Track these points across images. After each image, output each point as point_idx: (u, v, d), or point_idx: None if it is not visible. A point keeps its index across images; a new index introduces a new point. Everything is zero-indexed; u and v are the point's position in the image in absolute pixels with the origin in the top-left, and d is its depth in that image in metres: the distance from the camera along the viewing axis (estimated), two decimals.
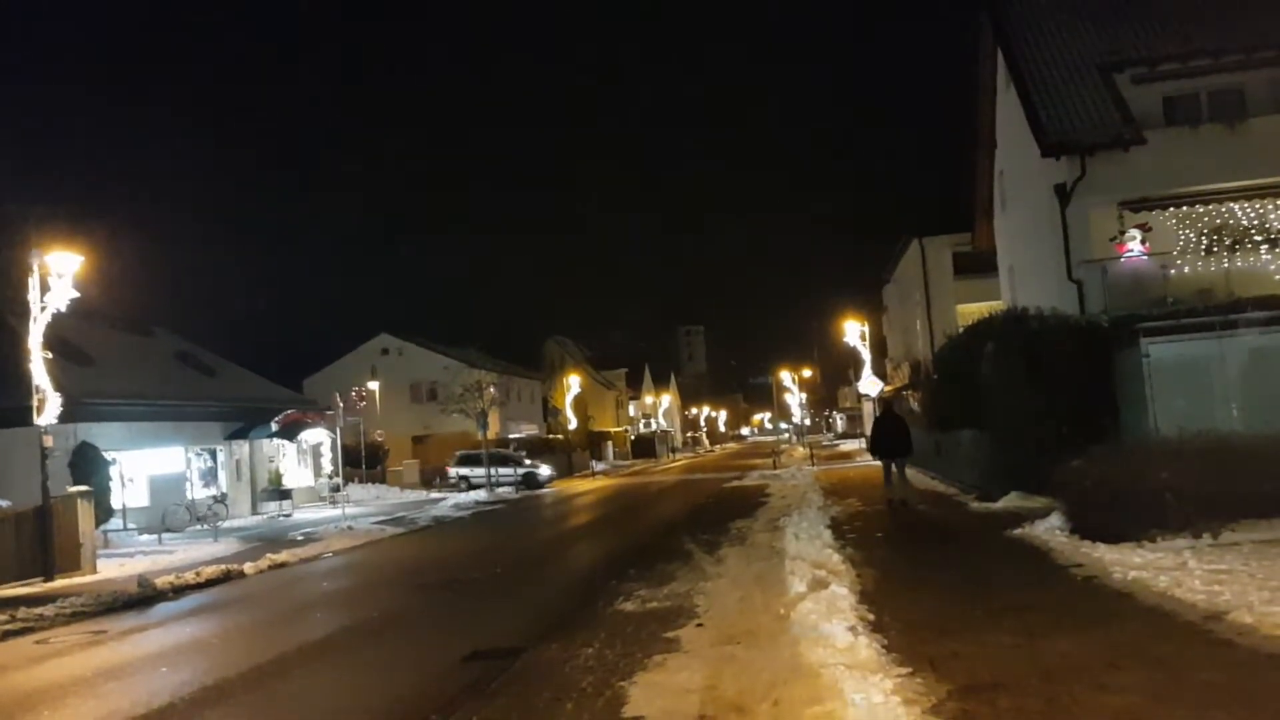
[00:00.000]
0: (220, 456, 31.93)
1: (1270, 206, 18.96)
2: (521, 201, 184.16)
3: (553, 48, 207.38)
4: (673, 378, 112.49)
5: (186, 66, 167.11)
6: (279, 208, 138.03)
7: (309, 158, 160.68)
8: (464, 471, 41.06)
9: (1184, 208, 19.23)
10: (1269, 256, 18.36)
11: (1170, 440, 12.55)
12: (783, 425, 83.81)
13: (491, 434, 43.26)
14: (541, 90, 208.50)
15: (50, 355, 17.50)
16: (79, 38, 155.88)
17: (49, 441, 17.45)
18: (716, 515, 19.99)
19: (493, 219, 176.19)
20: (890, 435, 18.70)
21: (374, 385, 45.89)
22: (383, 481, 43.18)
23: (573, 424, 61.95)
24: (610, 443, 72.98)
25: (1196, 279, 18.24)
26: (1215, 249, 18.82)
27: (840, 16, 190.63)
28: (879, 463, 19.50)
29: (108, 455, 23.91)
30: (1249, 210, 19.02)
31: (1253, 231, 18.83)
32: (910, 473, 19.24)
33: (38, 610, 12.86)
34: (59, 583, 16.40)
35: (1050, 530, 12.10)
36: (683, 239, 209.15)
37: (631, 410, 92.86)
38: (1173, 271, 18.39)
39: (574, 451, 58.62)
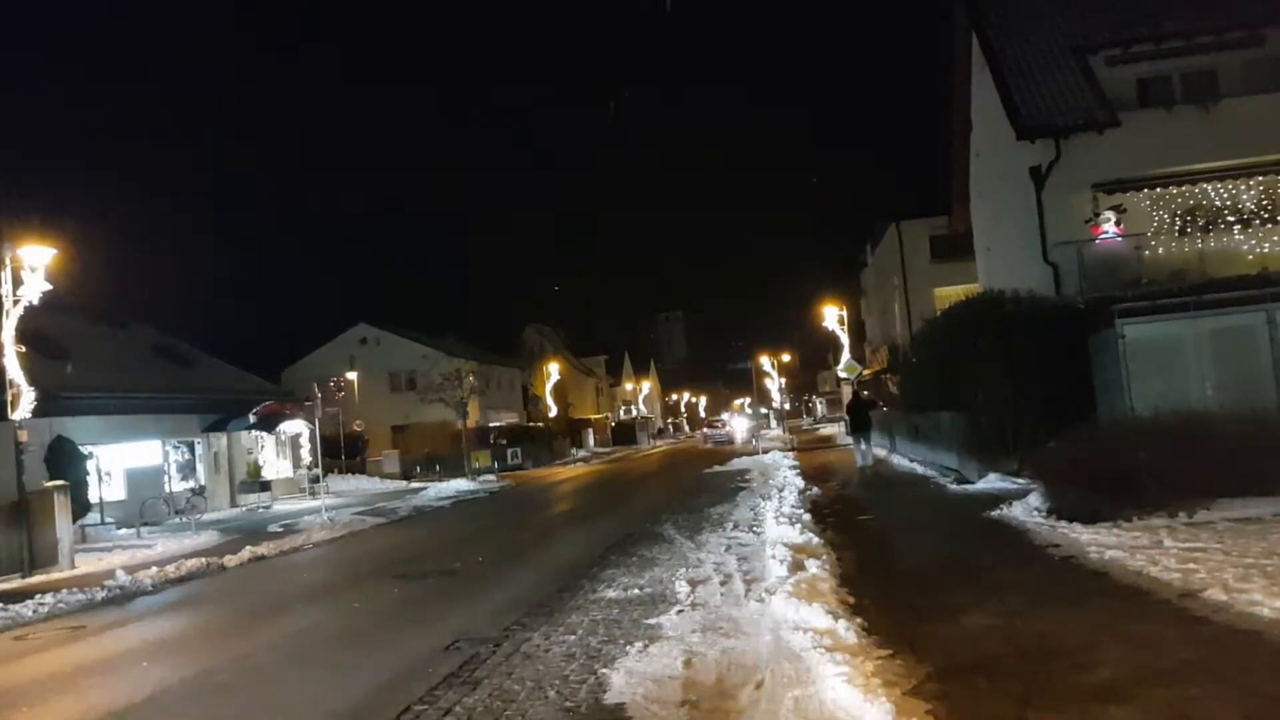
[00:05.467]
0: (198, 449, 31.73)
1: (1243, 187, 19.12)
2: (502, 192, 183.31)
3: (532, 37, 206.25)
4: (652, 364, 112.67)
5: (164, 59, 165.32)
6: (254, 199, 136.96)
7: (286, 150, 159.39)
8: None
9: (1158, 189, 19.36)
10: (1241, 237, 18.54)
11: (1146, 420, 12.70)
12: (762, 410, 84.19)
13: (471, 422, 43.24)
14: (522, 81, 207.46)
15: (24, 349, 17.31)
16: (55, 28, 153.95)
17: (24, 436, 17.27)
18: (698, 501, 20.04)
19: (473, 209, 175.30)
20: (856, 416, 24.98)
21: (352, 375, 45.73)
22: (362, 472, 43.06)
23: (553, 411, 62.04)
24: (591, 430, 73.08)
25: (1171, 260, 18.40)
26: (1189, 230, 18.99)
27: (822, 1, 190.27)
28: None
29: (84, 449, 23.71)
30: (1222, 191, 19.18)
31: (1225, 212, 19.00)
32: (896, 459, 20.44)
33: (15, 606, 12.75)
34: (37, 578, 16.26)
35: (1028, 511, 12.20)
36: (662, 227, 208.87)
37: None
38: (1147, 253, 18.54)
39: (555, 439, 58.65)
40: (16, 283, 16.75)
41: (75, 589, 13.96)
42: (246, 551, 17.45)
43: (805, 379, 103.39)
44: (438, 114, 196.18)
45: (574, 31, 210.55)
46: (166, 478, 29.59)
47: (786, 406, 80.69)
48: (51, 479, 19.51)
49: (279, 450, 36.79)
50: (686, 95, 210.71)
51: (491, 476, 39.45)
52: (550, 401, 61.64)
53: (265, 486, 33.32)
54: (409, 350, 53.82)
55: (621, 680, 6.77)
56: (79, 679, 8.81)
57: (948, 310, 21.20)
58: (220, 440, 32.69)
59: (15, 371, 16.95)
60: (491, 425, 54.46)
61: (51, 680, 8.85)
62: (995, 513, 12.82)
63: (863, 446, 24.73)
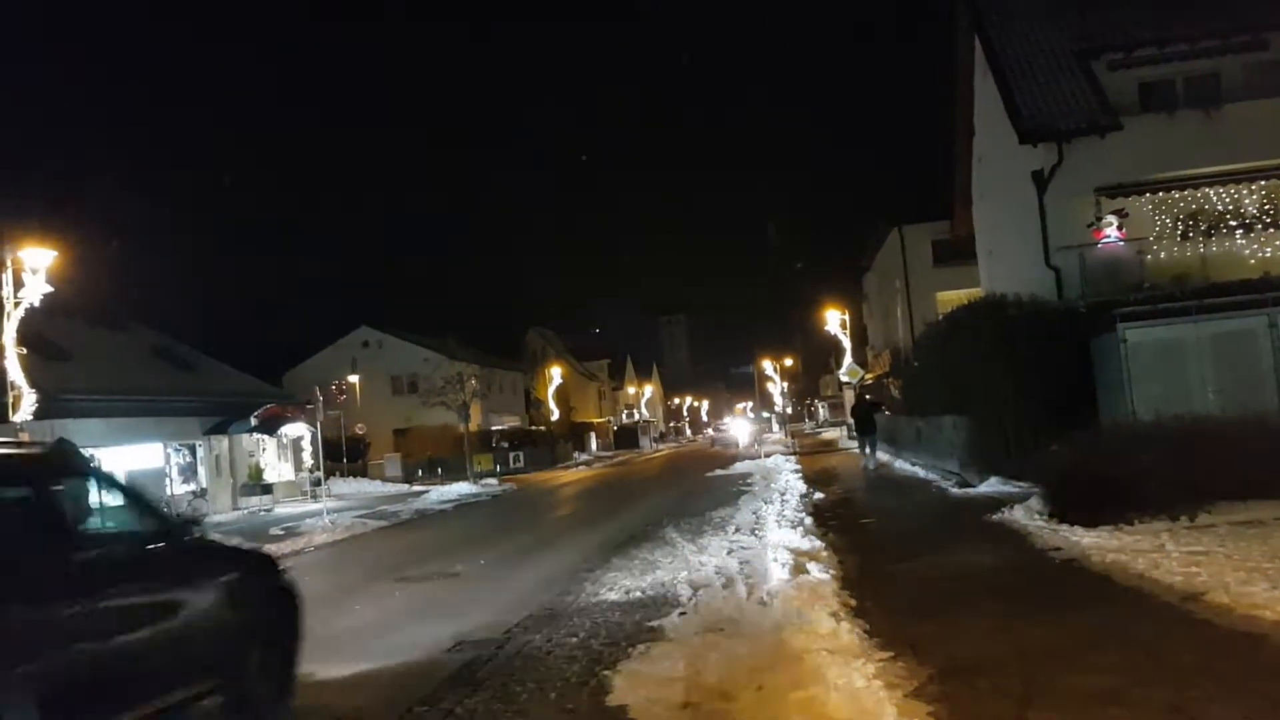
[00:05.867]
0: (200, 452, 31.76)
1: (1245, 191, 19.12)
2: (506, 194, 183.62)
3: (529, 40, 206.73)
4: (655, 368, 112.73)
5: (166, 60, 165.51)
6: (256, 202, 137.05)
7: (286, 152, 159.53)
8: None
9: (1160, 193, 19.36)
10: (1244, 241, 18.55)
11: (1148, 424, 12.67)
12: (764, 414, 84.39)
13: (473, 426, 43.27)
14: (525, 84, 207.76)
15: (25, 351, 17.34)
16: (54, 28, 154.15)
17: (25, 438, 17.28)
18: (700, 504, 20.02)
19: (475, 211, 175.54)
20: (862, 419, 25.73)
21: (354, 378, 45.74)
22: (364, 475, 43.04)
23: (555, 415, 62.07)
24: (593, 433, 73.10)
25: (1173, 264, 18.40)
26: (1191, 234, 18.99)
27: (823, 2, 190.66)
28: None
29: (85, 452, 23.66)
30: (1224, 195, 19.18)
31: (1228, 216, 19.00)
32: (898, 462, 21.85)
33: None
34: None
35: (1029, 514, 12.18)
36: (665, 229, 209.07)
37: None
38: (1149, 257, 18.55)
39: (557, 443, 58.67)
40: (18, 285, 16.78)
41: None
42: None
43: (808, 383, 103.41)
44: (439, 117, 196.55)
45: (572, 33, 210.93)
46: (168, 480, 29.61)
47: (789, 410, 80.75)
48: None
49: (280, 453, 36.83)
50: (688, 98, 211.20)
51: (493, 480, 39.42)
52: (552, 405, 61.68)
53: (267, 489, 33.32)
54: (411, 353, 53.88)
55: (624, 682, 6.77)
56: None
57: (950, 314, 21.18)
58: (222, 443, 32.71)
59: (16, 374, 16.97)
60: (493, 429, 54.51)
61: None
62: (997, 516, 12.80)
63: (867, 450, 25.27)
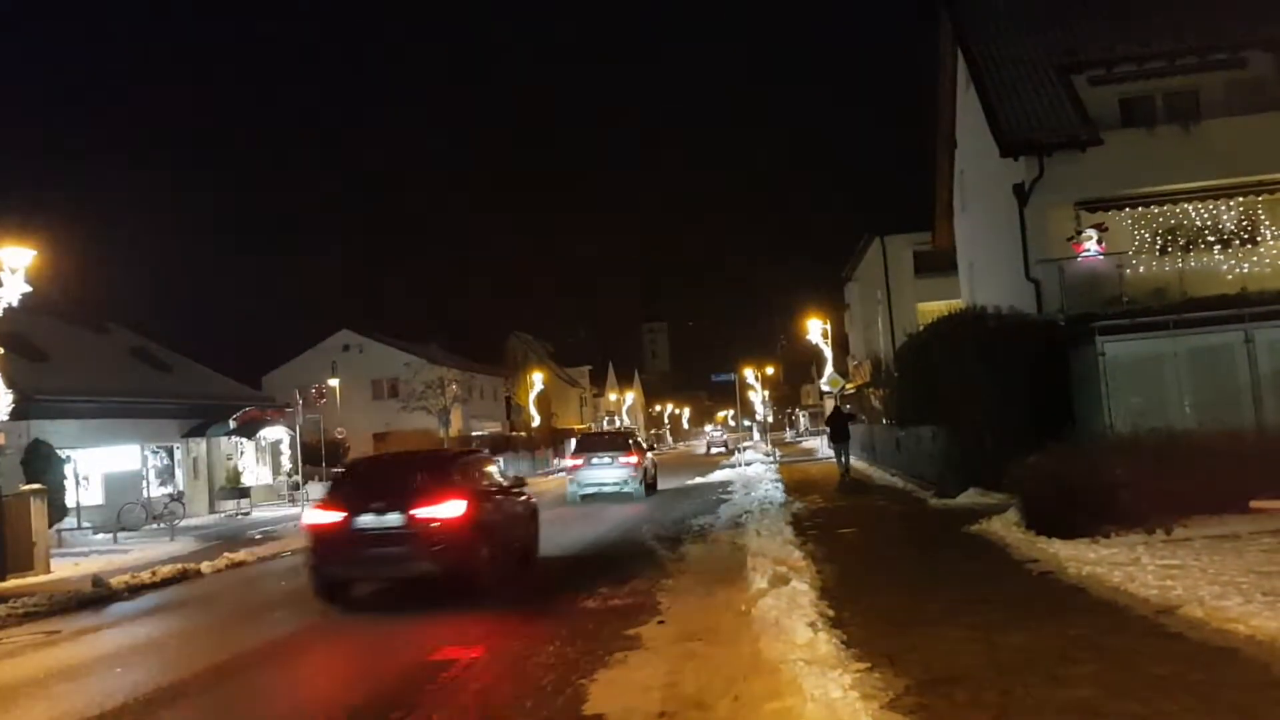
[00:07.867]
0: (177, 454, 31.50)
1: (1223, 207, 19.26)
2: (486, 200, 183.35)
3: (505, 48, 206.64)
4: (636, 375, 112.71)
5: (154, 60, 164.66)
6: (238, 203, 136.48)
7: (268, 152, 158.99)
8: None
9: (1139, 208, 19.47)
10: (1221, 256, 18.68)
11: (1125, 437, 12.76)
12: (745, 422, 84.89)
13: (453, 431, 43.09)
14: (495, 89, 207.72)
15: (2, 351, 17.17)
16: (42, 28, 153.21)
17: (1, 439, 17.12)
18: (679, 513, 20.03)
19: (456, 217, 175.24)
20: (836, 428, 27.02)
21: (334, 382, 45.47)
22: None
23: (536, 421, 61.91)
24: (574, 440, 72.86)
25: (1151, 278, 18.51)
26: (1169, 249, 19.11)
27: (805, 15, 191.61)
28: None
29: (62, 453, 23.48)
30: (1202, 211, 19.31)
31: (1206, 232, 19.14)
32: (878, 472, 24.29)
33: None
34: (11, 582, 16.08)
35: (1007, 526, 12.24)
36: (646, 236, 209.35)
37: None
38: (1128, 271, 18.64)
39: (537, 449, 58.54)
40: None
41: (50, 594, 13.82)
42: (224, 558, 17.31)
43: (789, 392, 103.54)
44: (424, 122, 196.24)
45: (567, 39, 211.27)
46: (145, 483, 29.34)
47: (770, 419, 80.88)
48: (28, 483, 19.32)
49: (259, 456, 36.54)
50: (670, 108, 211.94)
51: None
52: (534, 411, 61.56)
53: (244, 493, 33.05)
54: (392, 357, 53.59)
55: (600, 691, 6.75)
56: (51, 684, 8.72)
57: (930, 325, 21.23)
58: (199, 446, 32.46)
59: None
60: (474, 434, 54.29)
61: (24, 685, 8.75)
62: (975, 527, 12.86)
63: (842, 459, 26.05)
